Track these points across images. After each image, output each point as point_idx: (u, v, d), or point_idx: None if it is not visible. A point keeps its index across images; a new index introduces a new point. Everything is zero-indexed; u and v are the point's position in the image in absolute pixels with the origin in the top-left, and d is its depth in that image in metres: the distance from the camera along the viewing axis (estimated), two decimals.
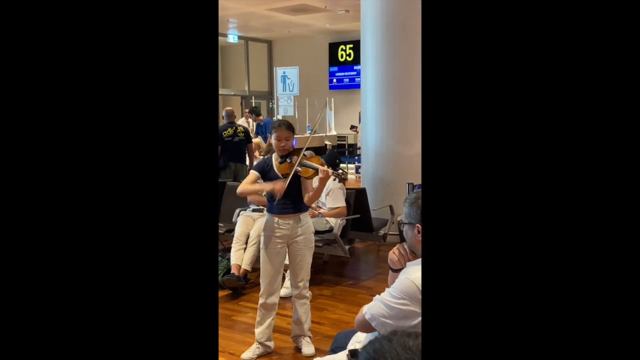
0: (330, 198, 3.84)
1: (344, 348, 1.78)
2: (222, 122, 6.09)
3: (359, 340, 1.77)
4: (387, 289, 1.53)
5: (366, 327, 1.55)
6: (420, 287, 1.43)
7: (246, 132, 6.13)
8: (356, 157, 8.76)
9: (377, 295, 1.55)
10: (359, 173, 7.31)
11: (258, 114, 7.85)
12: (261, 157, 5.91)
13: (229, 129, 5.89)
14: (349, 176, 9.22)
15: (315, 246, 3.76)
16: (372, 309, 1.52)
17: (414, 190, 1.83)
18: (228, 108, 6.30)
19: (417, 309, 1.45)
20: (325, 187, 3.85)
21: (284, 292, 3.49)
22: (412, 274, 1.48)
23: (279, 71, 7.30)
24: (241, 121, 8.51)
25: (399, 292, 1.47)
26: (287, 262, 3.37)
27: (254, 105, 10.39)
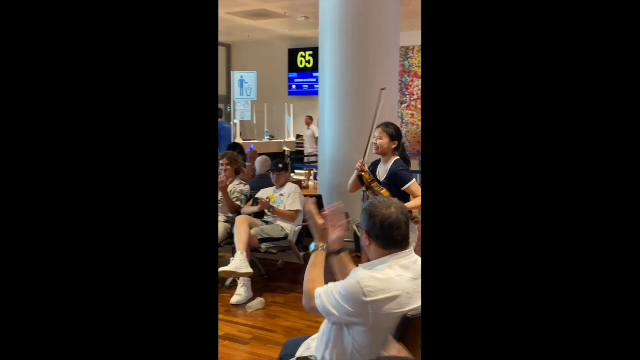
0: (290, 201, 3.83)
1: (293, 356, 1.76)
2: None
3: (308, 347, 1.75)
4: (338, 284, 1.55)
5: (314, 310, 1.60)
6: (364, 288, 1.46)
7: None
8: (315, 164, 8.79)
9: (332, 283, 1.58)
10: (317, 180, 7.32)
11: (219, 115, 7.78)
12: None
13: None
14: (309, 183, 9.24)
15: (270, 253, 3.75)
16: (322, 296, 1.56)
17: (371, 198, 1.87)
18: None
19: (357, 318, 1.49)
20: (288, 190, 3.86)
21: (235, 299, 3.45)
22: (359, 274, 1.50)
23: (236, 75, 7.22)
24: None
25: (346, 292, 1.51)
26: (230, 268, 3.33)
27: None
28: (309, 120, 9.93)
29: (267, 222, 3.82)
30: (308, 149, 9.85)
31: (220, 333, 3.02)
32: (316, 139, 9.46)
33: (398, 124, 3.73)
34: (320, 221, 1.70)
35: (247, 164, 5.42)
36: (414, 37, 8.31)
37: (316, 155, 9.07)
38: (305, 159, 9.70)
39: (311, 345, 1.75)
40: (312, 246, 1.71)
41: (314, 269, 1.66)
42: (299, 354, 1.75)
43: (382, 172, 2.88)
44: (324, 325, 1.65)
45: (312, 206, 1.72)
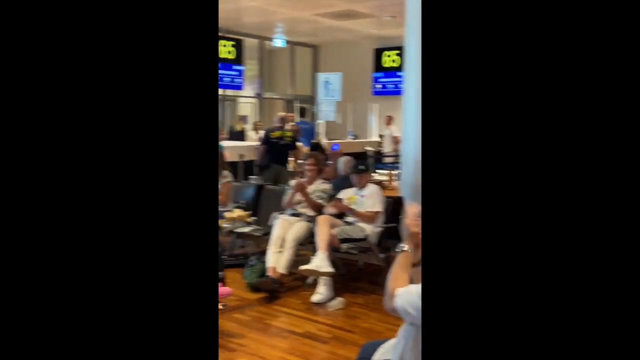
0: (370, 202, 3.83)
1: (369, 359, 1.76)
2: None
3: (386, 351, 1.75)
4: (420, 284, 1.53)
5: (393, 310, 1.58)
6: None
7: (293, 137, 6.30)
8: (397, 164, 8.67)
9: (413, 285, 1.56)
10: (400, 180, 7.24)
11: (302, 114, 7.93)
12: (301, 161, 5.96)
13: (277, 131, 6.08)
14: (393, 183, 9.15)
15: (350, 253, 3.76)
16: (403, 295, 1.54)
17: None
18: (281, 113, 6.57)
19: None
20: (369, 191, 3.87)
21: (316, 297, 3.50)
22: None
23: (321, 77, 7.32)
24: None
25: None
26: (326, 269, 3.37)
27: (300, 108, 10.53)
28: (389, 120, 9.82)
29: (348, 223, 3.84)
30: (387, 149, 9.76)
31: (300, 330, 3.08)
32: (394, 138, 9.35)
33: None
34: (414, 228, 1.67)
35: (329, 162, 5.48)
36: None
37: (394, 156, 8.96)
38: (384, 159, 9.62)
39: (389, 349, 1.74)
40: (399, 246, 1.69)
41: (398, 269, 1.65)
42: (375, 357, 1.75)
43: None
44: (402, 329, 1.63)
45: (413, 210, 1.71)
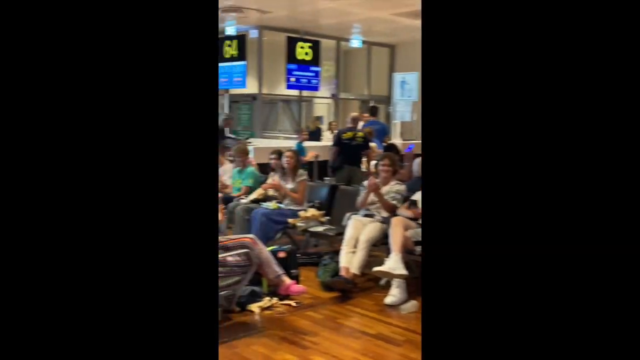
0: None
1: None
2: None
3: None
4: None
5: None
6: None
7: (366, 137, 6.25)
8: None
9: None
10: None
11: (373, 114, 7.78)
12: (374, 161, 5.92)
13: (349, 132, 6.06)
14: None
15: (418, 255, 3.70)
16: None
17: None
18: (354, 114, 6.59)
19: None
20: None
21: (389, 299, 3.47)
22: None
23: (397, 77, 7.24)
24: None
25: None
26: (401, 271, 3.34)
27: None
28: None
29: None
30: None
31: (373, 332, 3.07)
32: None
33: None
34: None
35: (404, 163, 5.41)
36: None
37: None
38: None
39: None
40: None
41: None
42: None
43: None
44: None
45: None
